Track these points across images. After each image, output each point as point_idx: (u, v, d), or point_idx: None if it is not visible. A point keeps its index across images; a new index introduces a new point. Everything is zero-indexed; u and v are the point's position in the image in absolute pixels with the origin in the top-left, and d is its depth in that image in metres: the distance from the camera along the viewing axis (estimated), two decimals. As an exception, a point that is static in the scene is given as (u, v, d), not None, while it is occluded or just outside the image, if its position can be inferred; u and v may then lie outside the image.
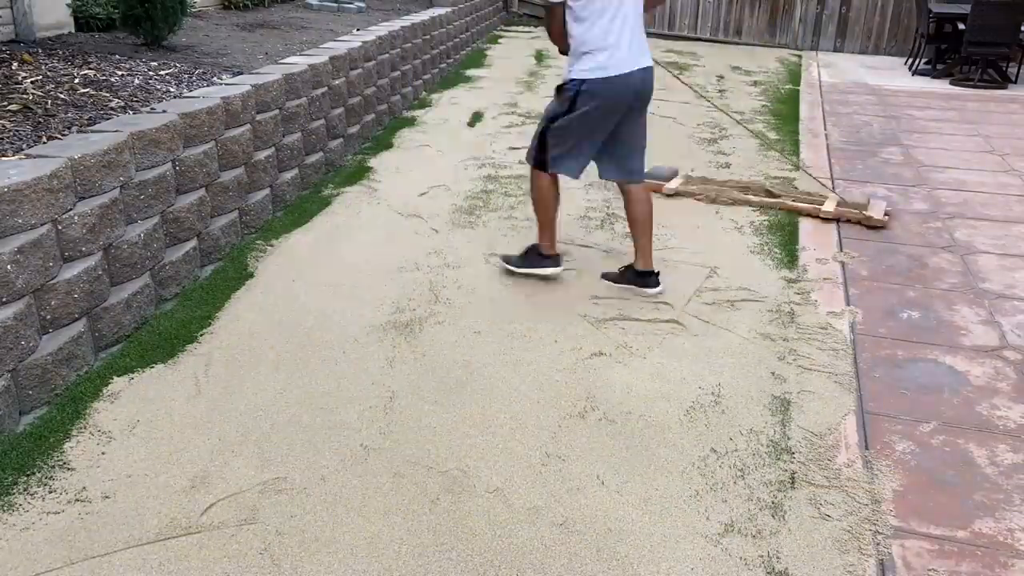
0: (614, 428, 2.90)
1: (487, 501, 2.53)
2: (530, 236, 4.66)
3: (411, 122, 7.21)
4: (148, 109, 4.04)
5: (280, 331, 3.52)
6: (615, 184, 4.09)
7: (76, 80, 4.50)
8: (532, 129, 6.95)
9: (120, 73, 4.81)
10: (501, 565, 2.28)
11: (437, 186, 5.48)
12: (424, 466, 2.68)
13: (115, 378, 3.12)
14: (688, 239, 4.66)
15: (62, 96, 4.16)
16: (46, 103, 4.00)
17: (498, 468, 2.68)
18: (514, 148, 6.42)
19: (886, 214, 5.02)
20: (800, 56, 11.55)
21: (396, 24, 7.84)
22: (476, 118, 7.37)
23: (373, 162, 6.01)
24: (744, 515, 2.49)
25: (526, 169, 5.90)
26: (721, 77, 9.70)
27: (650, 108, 3.87)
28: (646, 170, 3.98)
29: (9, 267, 2.74)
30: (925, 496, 2.59)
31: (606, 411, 3.00)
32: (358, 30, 7.49)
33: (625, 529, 2.42)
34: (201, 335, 3.47)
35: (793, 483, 2.64)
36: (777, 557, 2.33)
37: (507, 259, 4.13)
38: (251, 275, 4.06)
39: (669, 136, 6.92)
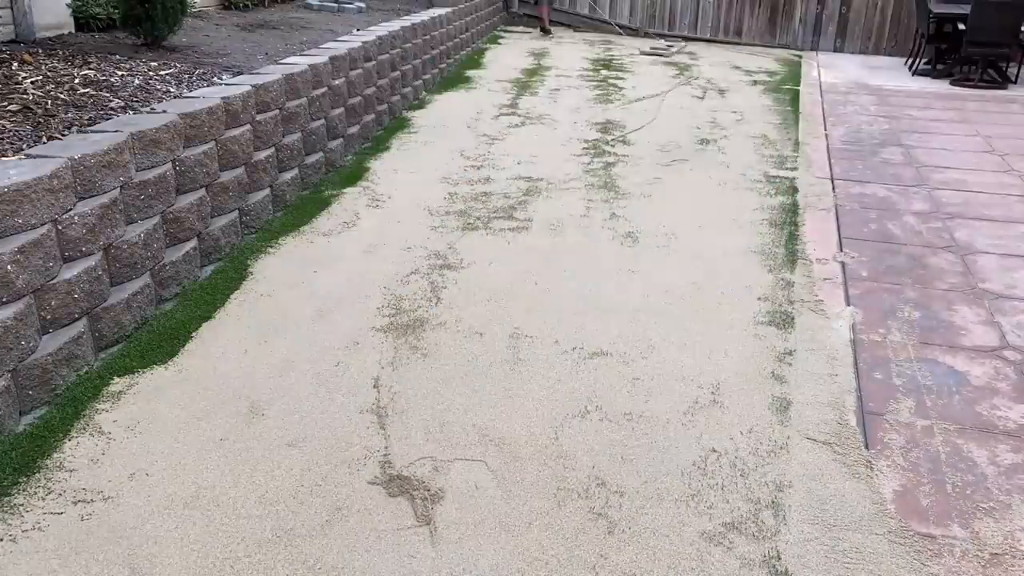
0: (615, 427, 2.90)
1: (494, 499, 2.53)
2: (527, 236, 4.66)
3: (411, 123, 7.21)
4: (148, 109, 4.04)
5: (280, 332, 3.52)
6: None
7: (76, 80, 4.50)
8: (533, 130, 6.97)
9: (120, 73, 4.81)
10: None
11: (436, 187, 5.48)
12: (418, 479, 2.69)
13: (115, 378, 3.12)
14: (691, 238, 4.66)
15: (62, 96, 4.16)
16: (46, 103, 4.00)
17: (499, 471, 2.68)
18: (513, 150, 6.43)
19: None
20: (800, 56, 11.55)
21: (396, 24, 7.84)
22: (476, 118, 7.38)
23: (373, 163, 6.01)
24: (745, 515, 2.49)
25: (525, 170, 5.91)
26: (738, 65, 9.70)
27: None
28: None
29: (9, 267, 2.74)
30: (925, 496, 2.59)
31: (608, 411, 3.00)
32: (358, 30, 7.49)
33: (628, 525, 2.43)
34: (201, 335, 3.47)
35: (793, 483, 2.64)
36: (778, 557, 2.33)
37: None
38: (251, 275, 4.07)
39: (670, 135, 6.93)
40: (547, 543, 2.37)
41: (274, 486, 2.58)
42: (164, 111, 3.95)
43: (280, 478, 2.61)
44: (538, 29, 12.77)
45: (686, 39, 12.62)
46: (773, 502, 2.55)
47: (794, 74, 10.11)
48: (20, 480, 2.55)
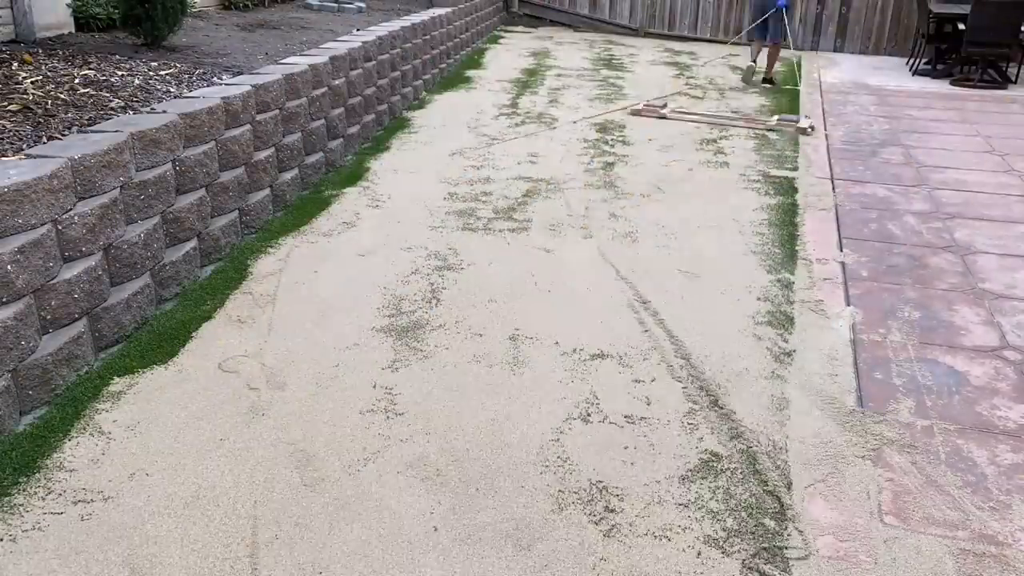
0: (616, 430, 2.90)
1: (493, 502, 2.53)
2: (529, 237, 4.66)
3: (411, 123, 7.21)
4: (148, 109, 4.04)
5: (280, 332, 3.52)
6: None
7: (76, 80, 4.50)
8: (532, 129, 6.97)
9: (120, 73, 4.81)
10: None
11: (436, 187, 5.48)
12: (418, 476, 2.69)
13: (115, 378, 3.12)
14: (690, 238, 4.66)
15: (62, 96, 4.16)
16: (46, 103, 4.00)
17: (499, 478, 2.68)
18: (513, 150, 6.43)
19: (811, 127, 7.21)
20: (800, 56, 11.55)
21: (396, 24, 7.84)
22: (476, 118, 7.38)
23: (372, 163, 6.01)
24: (747, 516, 2.49)
25: (524, 170, 5.91)
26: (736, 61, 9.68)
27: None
28: None
29: (9, 267, 2.74)
30: (925, 496, 2.59)
31: (608, 413, 3.00)
32: (358, 30, 7.49)
33: (630, 527, 2.43)
34: (201, 335, 3.47)
35: (792, 484, 2.64)
36: (779, 557, 2.33)
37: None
38: (251, 275, 4.07)
39: (669, 135, 6.93)
40: (549, 549, 2.37)
41: (274, 486, 2.58)
42: (164, 111, 3.95)
43: (280, 478, 2.61)
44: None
45: (685, 39, 12.61)
46: (774, 503, 2.55)
47: (794, 74, 10.11)
48: (20, 480, 2.55)
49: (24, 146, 3.38)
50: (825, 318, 3.76)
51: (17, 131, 3.55)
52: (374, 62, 6.78)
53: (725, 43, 12.37)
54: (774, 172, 6.00)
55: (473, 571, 2.26)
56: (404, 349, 3.41)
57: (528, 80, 9.17)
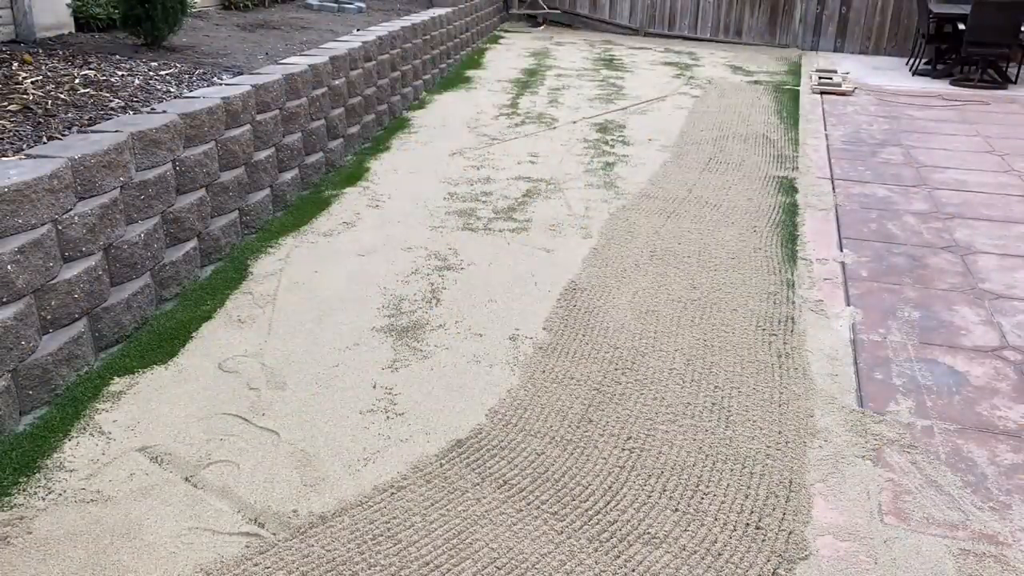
0: (618, 440, 2.90)
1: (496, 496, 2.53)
2: (527, 236, 4.66)
3: (411, 123, 7.21)
4: (148, 109, 4.04)
5: (280, 332, 3.52)
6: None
7: (76, 80, 4.50)
8: (532, 129, 6.97)
9: (120, 73, 4.82)
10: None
11: (436, 187, 5.48)
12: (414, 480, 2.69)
13: (115, 378, 3.12)
14: (691, 239, 4.66)
15: (62, 96, 4.16)
16: (46, 103, 4.00)
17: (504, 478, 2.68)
18: (513, 150, 6.43)
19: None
20: (800, 56, 11.55)
21: (396, 24, 7.84)
22: (476, 118, 7.38)
23: (373, 163, 6.01)
24: (749, 518, 2.49)
25: (524, 170, 5.91)
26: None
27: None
28: None
29: (9, 267, 2.74)
30: (925, 496, 2.59)
31: (609, 422, 3.00)
32: (358, 30, 7.50)
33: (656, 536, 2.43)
34: (201, 335, 3.47)
35: (792, 484, 2.64)
36: (781, 556, 2.33)
37: None
38: (251, 275, 4.07)
39: (670, 135, 6.93)
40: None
41: (274, 487, 2.58)
42: (164, 111, 3.96)
43: (280, 478, 2.61)
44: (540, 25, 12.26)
45: (685, 39, 12.62)
46: (776, 505, 2.55)
47: (794, 74, 10.11)
48: (20, 480, 2.55)
49: (24, 146, 3.38)
50: (825, 318, 3.76)
51: (17, 131, 3.55)
52: (374, 62, 6.78)
53: (726, 43, 12.37)
54: (774, 172, 6.00)
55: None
56: (404, 349, 3.41)
57: (528, 80, 9.17)
